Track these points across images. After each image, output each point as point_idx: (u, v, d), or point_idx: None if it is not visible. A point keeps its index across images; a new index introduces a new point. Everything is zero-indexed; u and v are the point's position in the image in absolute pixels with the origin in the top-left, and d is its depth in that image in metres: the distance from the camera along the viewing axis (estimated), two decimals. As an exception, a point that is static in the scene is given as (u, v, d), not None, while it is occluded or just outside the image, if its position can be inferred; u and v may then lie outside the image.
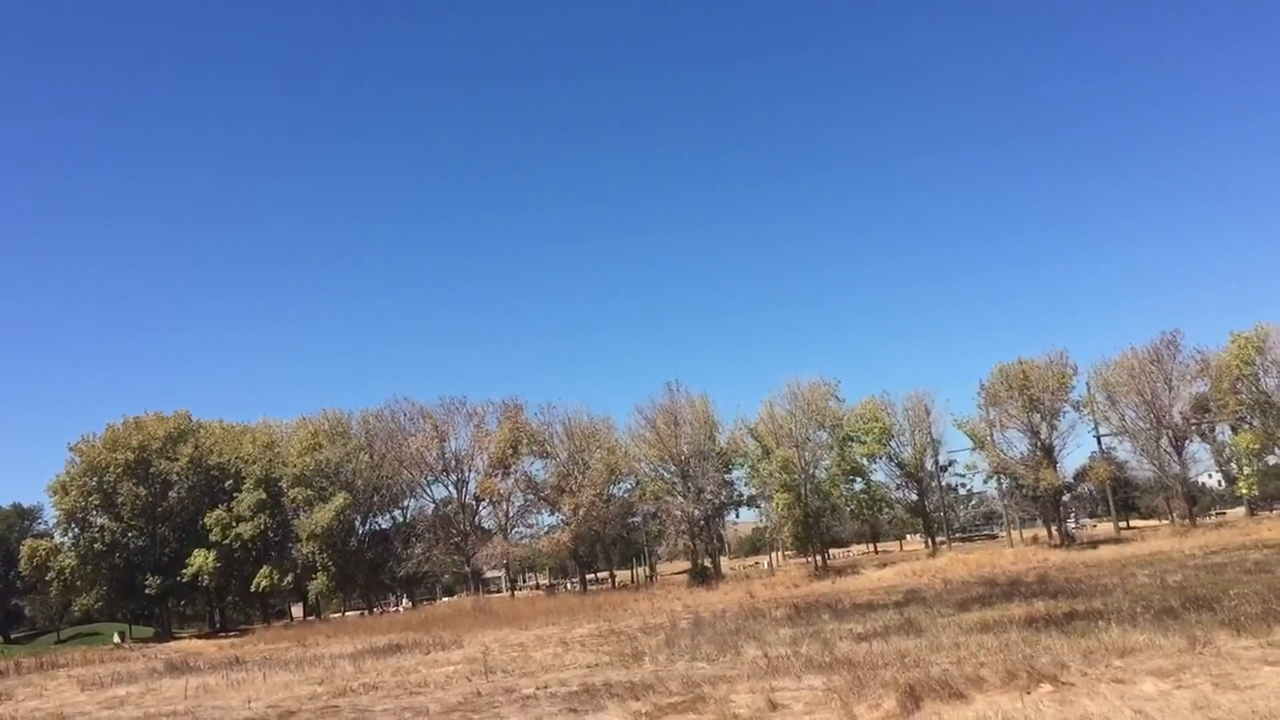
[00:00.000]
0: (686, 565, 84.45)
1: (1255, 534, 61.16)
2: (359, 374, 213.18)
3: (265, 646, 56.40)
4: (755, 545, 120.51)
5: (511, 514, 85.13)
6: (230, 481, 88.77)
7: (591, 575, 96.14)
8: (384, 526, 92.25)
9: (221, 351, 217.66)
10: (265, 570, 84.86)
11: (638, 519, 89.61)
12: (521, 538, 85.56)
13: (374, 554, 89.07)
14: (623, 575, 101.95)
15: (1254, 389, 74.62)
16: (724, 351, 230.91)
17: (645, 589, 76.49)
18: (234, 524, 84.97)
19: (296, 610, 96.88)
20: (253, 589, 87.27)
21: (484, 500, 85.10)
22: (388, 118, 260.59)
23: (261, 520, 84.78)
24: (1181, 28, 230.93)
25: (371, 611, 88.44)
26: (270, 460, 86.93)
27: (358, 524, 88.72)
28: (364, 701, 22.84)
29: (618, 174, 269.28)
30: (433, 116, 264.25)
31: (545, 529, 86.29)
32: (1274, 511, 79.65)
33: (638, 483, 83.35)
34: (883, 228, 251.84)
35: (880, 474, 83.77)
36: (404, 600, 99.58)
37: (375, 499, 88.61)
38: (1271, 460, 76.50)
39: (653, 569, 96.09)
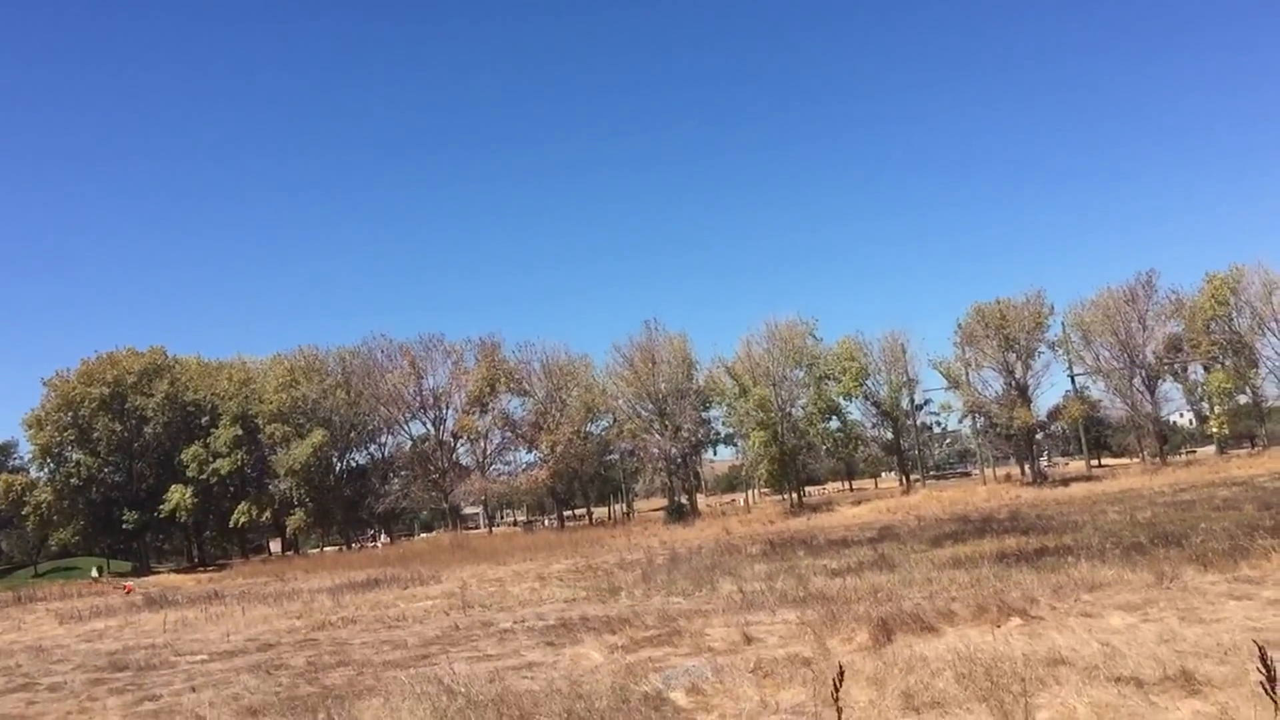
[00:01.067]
0: (663, 502, 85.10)
1: (1224, 472, 62.05)
2: (336, 311, 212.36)
3: (243, 581, 56.69)
4: (731, 483, 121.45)
5: (489, 451, 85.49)
6: (206, 418, 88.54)
7: (569, 512, 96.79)
8: (361, 463, 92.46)
9: (196, 288, 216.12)
10: (243, 506, 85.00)
11: (615, 456, 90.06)
12: (499, 475, 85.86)
13: (352, 490, 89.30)
14: (600, 512, 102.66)
15: (1227, 329, 75.35)
16: (703, 290, 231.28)
17: (622, 526, 77.12)
18: (211, 460, 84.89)
19: (275, 545, 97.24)
20: (231, 524, 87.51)
21: (462, 437, 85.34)
22: (361, 49, 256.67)
23: (238, 456, 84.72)
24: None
25: (350, 547, 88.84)
26: (246, 397, 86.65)
27: (335, 460, 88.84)
28: (342, 635, 23.00)
29: (596, 110, 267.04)
30: (407, 48, 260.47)
31: (523, 466, 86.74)
32: (1243, 450, 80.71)
33: (615, 420, 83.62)
34: (861, 166, 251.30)
35: (856, 412, 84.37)
36: (382, 536, 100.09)
37: (353, 435, 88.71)
38: (1242, 400, 77.35)
39: (630, 506, 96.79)
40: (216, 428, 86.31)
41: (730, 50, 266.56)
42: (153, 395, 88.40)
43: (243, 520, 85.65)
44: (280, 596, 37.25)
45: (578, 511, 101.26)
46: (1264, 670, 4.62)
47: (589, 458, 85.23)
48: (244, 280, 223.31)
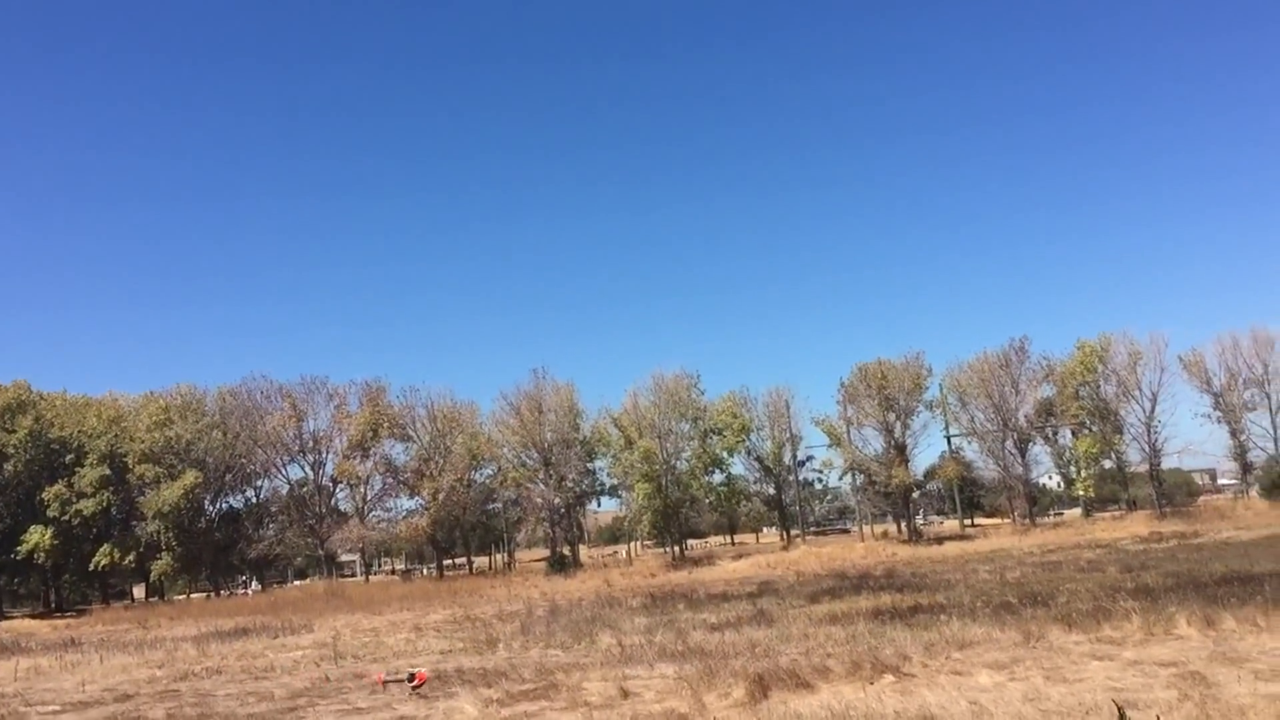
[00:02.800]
0: (546, 553, 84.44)
1: (1089, 534, 64.44)
2: (216, 351, 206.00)
3: (104, 628, 54.38)
4: (615, 534, 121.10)
5: (369, 497, 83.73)
6: (72, 456, 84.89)
7: (449, 561, 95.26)
8: (235, 507, 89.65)
9: (65, 322, 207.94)
10: (106, 549, 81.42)
11: (498, 505, 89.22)
12: (379, 521, 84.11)
13: (223, 534, 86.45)
14: (481, 562, 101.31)
15: (1095, 395, 78.53)
16: (591, 342, 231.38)
17: (503, 576, 76.23)
18: (74, 500, 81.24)
19: (138, 591, 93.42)
20: (92, 568, 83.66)
21: (341, 483, 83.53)
22: (239, 98, 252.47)
23: (104, 497, 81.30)
24: (1028, 36, 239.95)
25: (219, 594, 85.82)
26: (116, 435, 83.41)
27: (208, 503, 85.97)
28: (206, 686, 22.18)
29: (483, 158, 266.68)
30: (292, 97, 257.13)
31: (403, 513, 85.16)
32: (1108, 513, 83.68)
33: (500, 469, 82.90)
34: (748, 226, 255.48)
35: (740, 467, 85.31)
36: (253, 583, 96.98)
37: (228, 478, 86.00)
38: (1107, 464, 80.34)
39: (511, 556, 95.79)
40: (82, 466, 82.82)
41: (608, 99, 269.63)
42: (15, 431, 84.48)
43: (105, 563, 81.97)
44: (142, 644, 35.79)
45: (458, 561, 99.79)
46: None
47: (471, 506, 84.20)
48: (118, 315, 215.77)
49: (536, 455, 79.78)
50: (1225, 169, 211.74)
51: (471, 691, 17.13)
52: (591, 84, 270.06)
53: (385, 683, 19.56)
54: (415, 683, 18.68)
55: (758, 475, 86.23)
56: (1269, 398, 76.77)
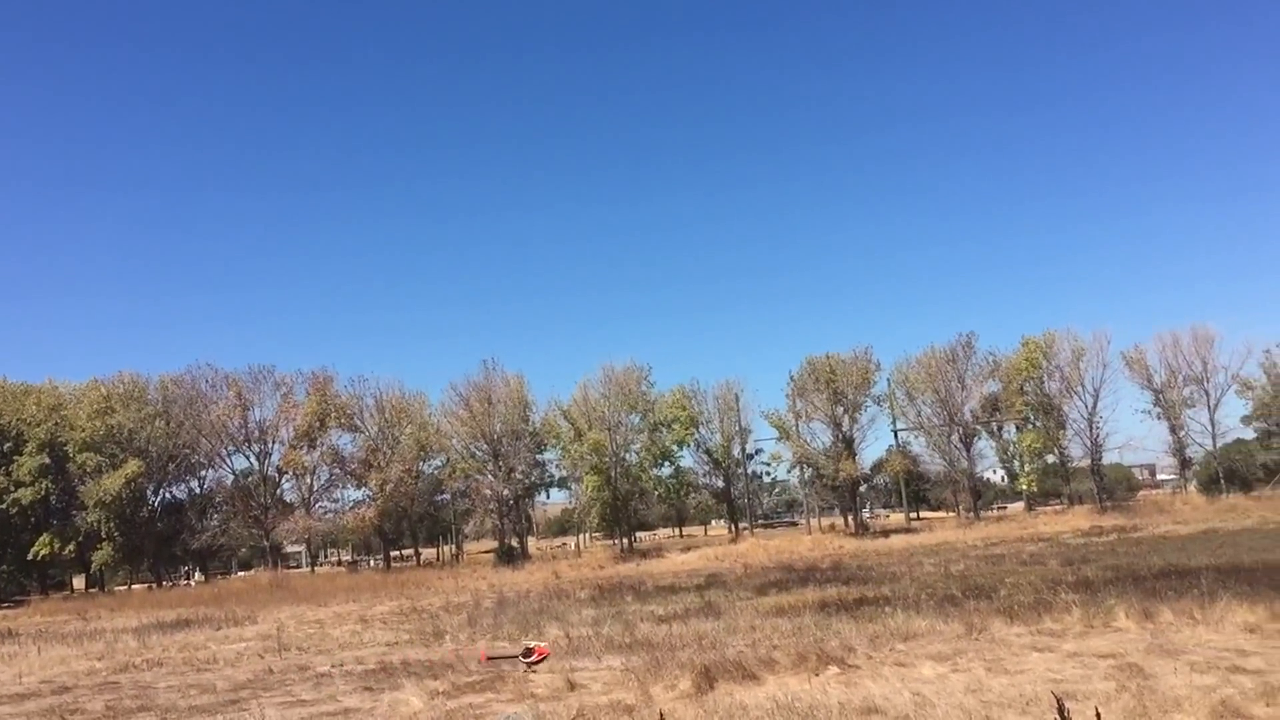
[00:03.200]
0: (494, 545, 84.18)
1: (1032, 528, 65.37)
2: (161, 339, 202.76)
3: (42, 619, 53.49)
4: (563, 526, 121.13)
5: (316, 488, 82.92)
6: (10, 444, 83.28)
7: (396, 553, 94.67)
8: (179, 497, 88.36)
9: (3, 309, 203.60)
10: (45, 539, 79.99)
11: (446, 497, 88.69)
12: (325, 512, 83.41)
13: (166, 525, 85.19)
14: (429, 553, 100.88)
15: (1039, 391, 79.62)
16: (542, 334, 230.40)
17: (451, 567, 75.94)
18: (12, 489, 79.77)
19: (78, 582, 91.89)
20: (30, 558, 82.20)
21: (287, 473, 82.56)
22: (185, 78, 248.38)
23: (43, 486, 79.87)
24: (989, 32, 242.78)
25: (161, 585, 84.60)
26: (56, 423, 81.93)
27: (150, 493, 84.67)
28: (147, 678, 21.89)
29: (435, 154, 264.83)
30: (228, 83, 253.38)
31: (350, 504, 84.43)
32: (1050, 507, 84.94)
33: (448, 460, 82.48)
34: (700, 220, 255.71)
35: (688, 460, 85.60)
36: (197, 574, 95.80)
37: (171, 468, 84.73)
38: (1050, 459, 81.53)
39: (459, 548, 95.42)
40: (21, 455, 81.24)
41: (560, 93, 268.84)
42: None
43: (44, 554, 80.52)
44: (81, 636, 35.20)
45: (405, 552, 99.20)
46: (1059, 721, 4.84)
47: (419, 497, 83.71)
48: (59, 301, 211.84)
49: (485, 447, 79.48)
50: (1171, 168, 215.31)
51: (417, 683, 17.04)
52: (532, 74, 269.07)
53: (491, 659, 19.00)
54: (534, 658, 17.86)
55: (707, 468, 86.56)
56: (1207, 395, 78.29)
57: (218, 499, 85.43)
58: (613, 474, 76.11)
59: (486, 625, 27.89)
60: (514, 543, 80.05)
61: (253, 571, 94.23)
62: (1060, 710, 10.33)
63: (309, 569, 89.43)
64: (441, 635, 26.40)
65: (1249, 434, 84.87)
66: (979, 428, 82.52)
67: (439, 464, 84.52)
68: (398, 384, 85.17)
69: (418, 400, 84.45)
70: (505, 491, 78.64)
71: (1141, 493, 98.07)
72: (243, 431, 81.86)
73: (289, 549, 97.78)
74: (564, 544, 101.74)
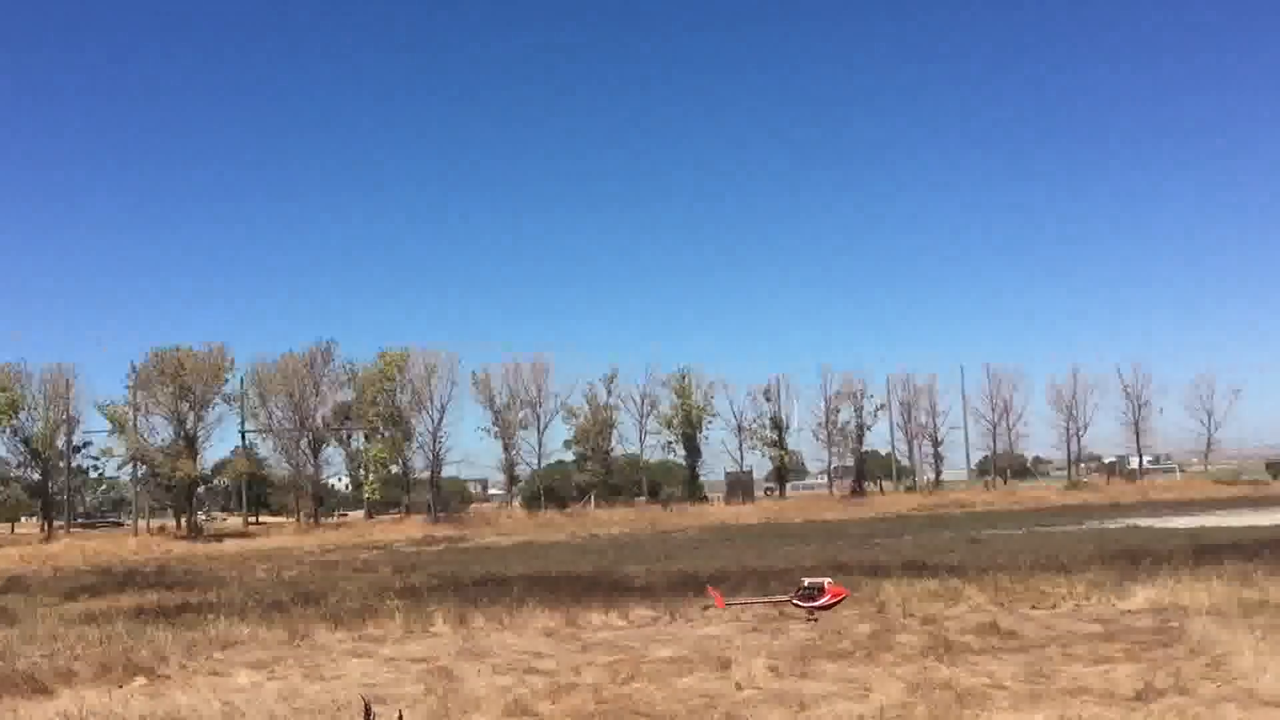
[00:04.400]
0: None
1: (369, 535, 67.50)
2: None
3: None
4: None
5: None
6: None
7: None
8: None
9: None
10: None
11: None
12: None
13: None
14: None
15: (391, 403, 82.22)
16: None
17: None
18: None
19: None
20: None
21: None
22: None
23: None
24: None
25: None
26: None
27: None
28: None
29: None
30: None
31: None
32: (389, 515, 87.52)
33: None
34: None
35: (1, 449, 76.32)
36: None
37: None
38: (394, 469, 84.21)
39: None
40: None
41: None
42: None
43: None
44: None
45: None
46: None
47: None
48: None
49: None
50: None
51: None
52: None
53: (728, 605, 16.85)
54: (828, 600, 15.43)
55: (22, 459, 77.58)
56: (539, 418, 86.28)
57: None
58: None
59: None
60: None
61: None
62: (367, 714, 10.58)
63: None
64: None
65: (569, 456, 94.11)
66: (329, 435, 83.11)
67: None
68: None
69: None
70: None
71: (474, 506, 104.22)
72: None
73: None
74: None
